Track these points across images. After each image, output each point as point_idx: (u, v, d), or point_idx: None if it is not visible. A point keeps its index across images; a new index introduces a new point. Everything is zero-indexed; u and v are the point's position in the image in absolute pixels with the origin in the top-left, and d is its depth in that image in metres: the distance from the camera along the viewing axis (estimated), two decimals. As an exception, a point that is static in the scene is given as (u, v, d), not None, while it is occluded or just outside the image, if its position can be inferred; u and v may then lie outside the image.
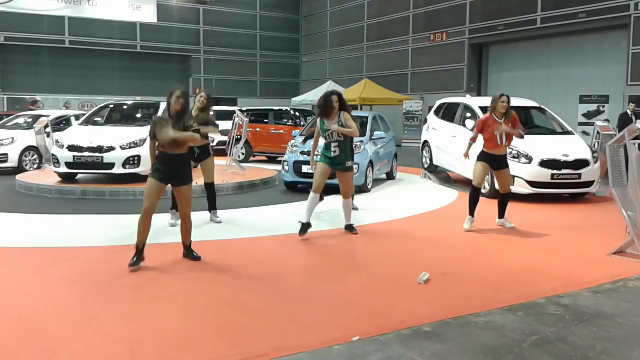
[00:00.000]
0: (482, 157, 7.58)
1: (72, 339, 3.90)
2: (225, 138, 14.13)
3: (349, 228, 7.35)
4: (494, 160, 7.53)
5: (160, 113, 11.98)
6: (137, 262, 5.51)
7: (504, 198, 7.75)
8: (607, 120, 15.89)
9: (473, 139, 7.82)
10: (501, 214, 7.76)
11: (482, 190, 10.21)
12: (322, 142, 7.23)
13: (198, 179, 8.78)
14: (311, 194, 7.10)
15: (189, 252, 5.89)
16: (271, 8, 35.18)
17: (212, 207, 7.97)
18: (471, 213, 7.58)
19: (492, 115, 7.48)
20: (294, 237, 7.08)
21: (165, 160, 5.59)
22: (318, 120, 7.20)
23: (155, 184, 5.56)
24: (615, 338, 4.00)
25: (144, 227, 5.55)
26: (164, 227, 7.33)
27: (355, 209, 8.70)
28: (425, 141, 13.49)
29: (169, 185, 5.76)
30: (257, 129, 16.99)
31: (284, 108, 19.21)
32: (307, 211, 7.05)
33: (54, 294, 4.88)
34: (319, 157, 7.23)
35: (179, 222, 6.19)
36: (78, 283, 5.14)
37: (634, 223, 6.09)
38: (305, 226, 7.00)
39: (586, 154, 9.99)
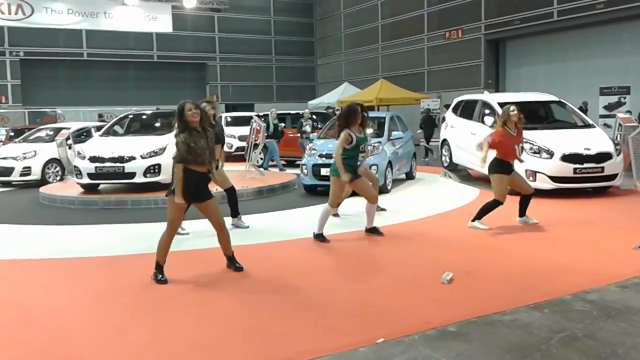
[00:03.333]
0: (502, 168, 7.30)
1: (99, 348, 3.94)
2: (243, 144, 14.20)
3: (373, 231, 7.26)
4: (509, 168, 7.36)
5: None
6: (165, 278, 5.45)
7: (526, 198, 7.58)
8: (629, 111, 15.64)
9: (481, 146, 7.53)
10: (522, 213, 7.64)
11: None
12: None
13: (216, 187, 8.85)
14: (327, 207, 7.01)
15: (232, 262, 5.77)
16: (285, 13, 35.31)
17: (235, 213, 7.99)
18: (480, 218, 7.44)
19: (506, 129, 7.28)
20: (313, 240, 7.09)
21: (191, 179, 5.38)
22: (351, 132, 6.78)
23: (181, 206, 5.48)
24: (645, 333, 3.93)
25: (168, 246, 5.52)
26: (194, 234, 7.38)
27: (383, 209, 8.69)
28: (444, 140, 13.41)
29: None
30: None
31: (301, 112, 19.23)
32: (320, 222, 7.00)
33: (80, 304, 4.94)
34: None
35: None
36: (104, 293, 5.20)
37: (660, 215, 5.99)
38: (320, 236, 6.98)
39: (608, 147, 9.84)
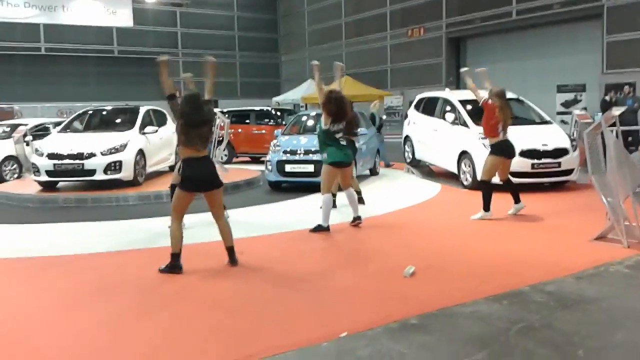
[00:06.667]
0: (497, 150, 7.71)
1: (58, 349, 3.88)
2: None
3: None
4: (507, 149, 7.72)
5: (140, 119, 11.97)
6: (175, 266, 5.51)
7: (510, 184, 7.97)
8: (584, 108, 16.11)
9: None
10: (517, 199, 7.90)
11: (465, 183, 10.34)
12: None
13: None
14: (324, 196, 7.17)
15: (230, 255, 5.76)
16: (248, 9, 35.09)
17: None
18: (486, 209, 7.66)
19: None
20: (279, 236, 7.13)
21: (193, 165, 5.50)
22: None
23: (186, 196, 5.57)
24: (599, 322, 4.07)
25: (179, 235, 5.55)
26: (159, 232, 7.30)
27: (362, 203, 8.93)
28: (407, 136, 13.56)
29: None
30: (239, 130, 16.94)
31: (265, 108, 19.18)
32: (324, 214, 7.16)
33: (39, 304, 4.84)
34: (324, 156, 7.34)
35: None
36: (63, 292, 5.10)
37: (613, 209, 6.18)
38: (320, 227, 7.12)
39: (565, 143, 10.11)
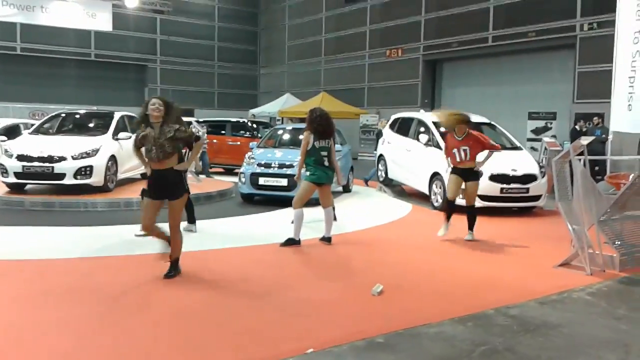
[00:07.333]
0: (453, 170, 7.90)
1: (19, 356, 3.80)
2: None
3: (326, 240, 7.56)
4: (463, 173, 7.83)
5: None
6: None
7: (470, 211, 7.98)
8: (554, 136, 16.47)
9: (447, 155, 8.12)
10: (470, 227, 7.96)
11: (435, 204, 10.46)
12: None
13: None
14: (296, 210, 7.25)
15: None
16: (230, 19, 35.09)
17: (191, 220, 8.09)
18: (447, 219, 7.84)
19: (452, 133, 7.82)
20: (250, 249, 7.11)
21: (151, 177, 5.59)
22: (311, 137, 7.30)
23: (150, 203, 5.60)
24: (560, 347, 4.14)
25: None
26: (128, 239, 7.22)
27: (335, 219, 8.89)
28: (381, 155, 13.69)
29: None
30: (214, 141, 16.89)
31: (241, 120, 19.17)
32: (295, 228, 7.27)
33: (0, 307, 4.74)
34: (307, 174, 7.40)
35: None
36: (26, 297, 5.01)
37: (578, 236, 6.33)
38: (291, 241, 7.23)
39: (534, 169, 10.33)
